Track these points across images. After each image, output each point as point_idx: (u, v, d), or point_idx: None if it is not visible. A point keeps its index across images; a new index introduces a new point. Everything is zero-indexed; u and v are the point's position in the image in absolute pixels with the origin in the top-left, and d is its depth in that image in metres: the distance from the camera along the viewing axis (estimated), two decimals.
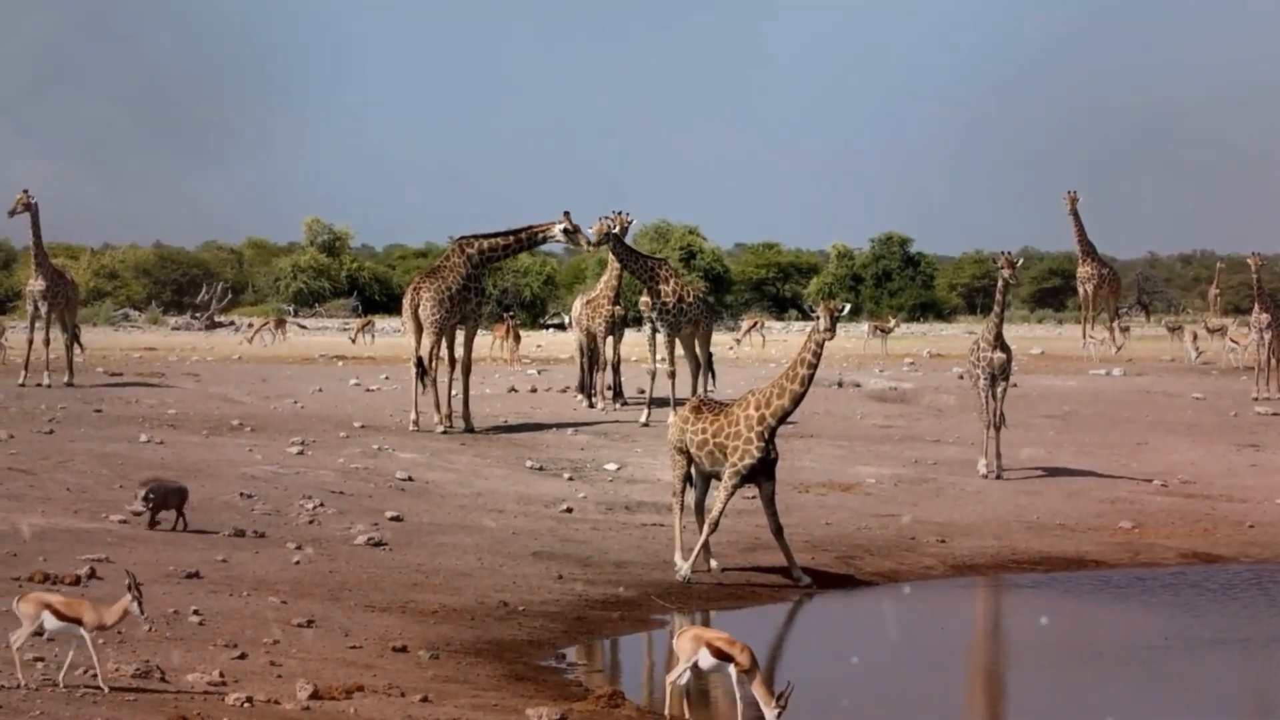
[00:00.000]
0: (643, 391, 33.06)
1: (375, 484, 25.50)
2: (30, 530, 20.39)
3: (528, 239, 31.25)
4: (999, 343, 28.80)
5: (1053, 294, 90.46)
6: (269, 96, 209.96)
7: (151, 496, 21.15)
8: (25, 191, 35.13)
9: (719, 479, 21.52)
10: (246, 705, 13.81)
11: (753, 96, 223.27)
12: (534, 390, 37.20)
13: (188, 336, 59.49)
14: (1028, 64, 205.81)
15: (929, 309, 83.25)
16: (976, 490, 27.59)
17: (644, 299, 32.66)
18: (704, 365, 32.67)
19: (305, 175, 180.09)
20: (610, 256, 33.41)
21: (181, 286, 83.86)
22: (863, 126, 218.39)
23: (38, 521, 21.04)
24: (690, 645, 14.66)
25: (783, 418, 21.30)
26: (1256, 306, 39.75)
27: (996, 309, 29.07)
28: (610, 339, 34.60)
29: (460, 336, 31.13)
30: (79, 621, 13.85)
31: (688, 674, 14.80)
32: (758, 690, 14.43)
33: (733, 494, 21.56)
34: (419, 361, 30.58)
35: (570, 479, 26.98)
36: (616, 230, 31.54)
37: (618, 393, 34.87)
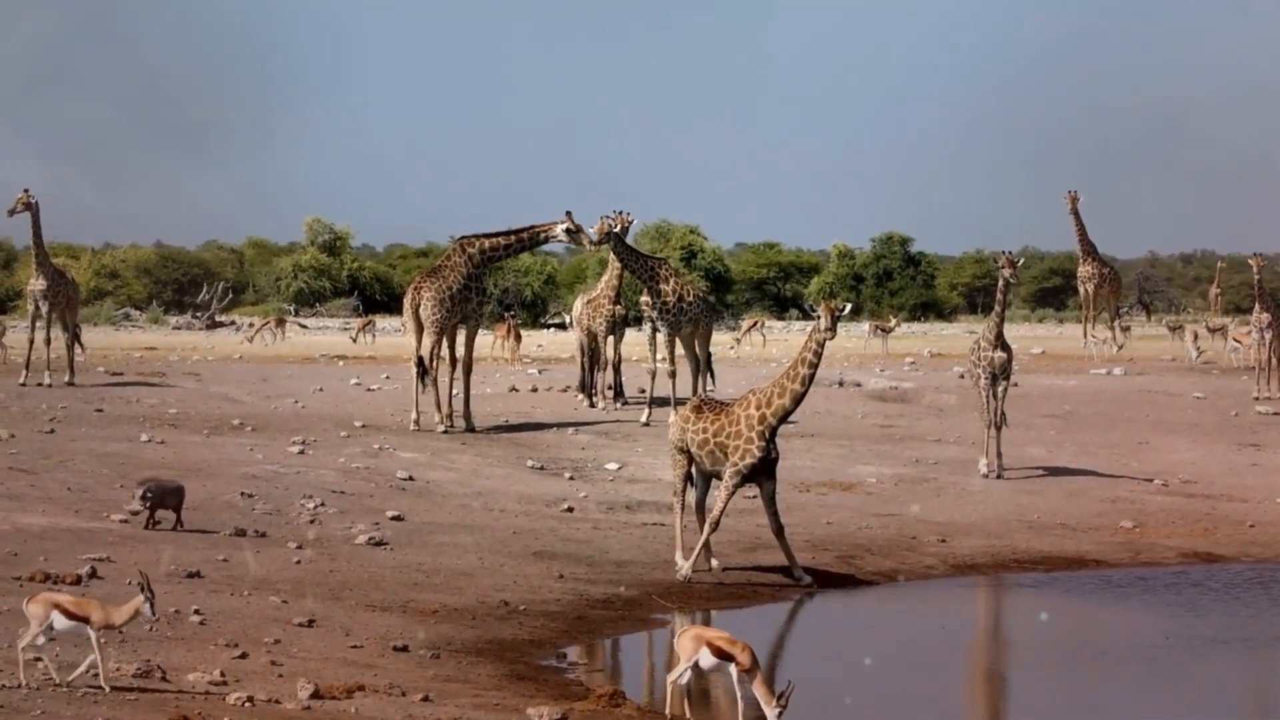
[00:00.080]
0: (643, 391, 33.06)
1: (376, 483, 25.50)
2: (29, 529, 20.40)
3: (529, 239, 31.24)
4: (1000, 342, 28.80)
5: (1053, 293, 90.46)
6: (269, 96, 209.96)
7: (149, 496, 21.15)
8: (26, 191, 35.13)
9: (720, 478, 21.51)
10: (247, 705, 13.81)
11: (753, 96, 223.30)
12: (535, 390, 37.21)
13: (188, 336, 59.49)
14: (1028, 64, 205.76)
15: (930, 308, 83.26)
16: (977, 490, 27.59)
17: (644, 298, 32.66)
18: (703, 365, 32.68)
19: (305, 175, 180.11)
20: (611, 256, 33.42)
21: (182, 286, 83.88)
22: (863, 126, 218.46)
23: (38, 521, 21.04)
24: (691, 644, 14.65)
25: (784, 417, 21.30)
26: (1257, 306, 39.78)
27: (997, 308, 29.07)
28: (611, 338, 34.60)
29: (461, 336, 31.13)
30: (86, 620, 13.87)
31: (689, 673, 14.79)
32: (759, 690, 14.43)
33: (734, 493, 21.56)
34: (420, 361, 30.58)
35: (571, 478, 26.98)
36: (617, 229, 31.54)
37: (618, 392, 34.87)
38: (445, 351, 30.95)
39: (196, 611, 16.94)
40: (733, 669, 14.55)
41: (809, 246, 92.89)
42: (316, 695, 14.30)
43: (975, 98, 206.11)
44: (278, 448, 27.53)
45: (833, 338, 20.98)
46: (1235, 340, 45.51)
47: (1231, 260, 77.57)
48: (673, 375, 32.08)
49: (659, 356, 32.61)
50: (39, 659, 14.26)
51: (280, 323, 57.02)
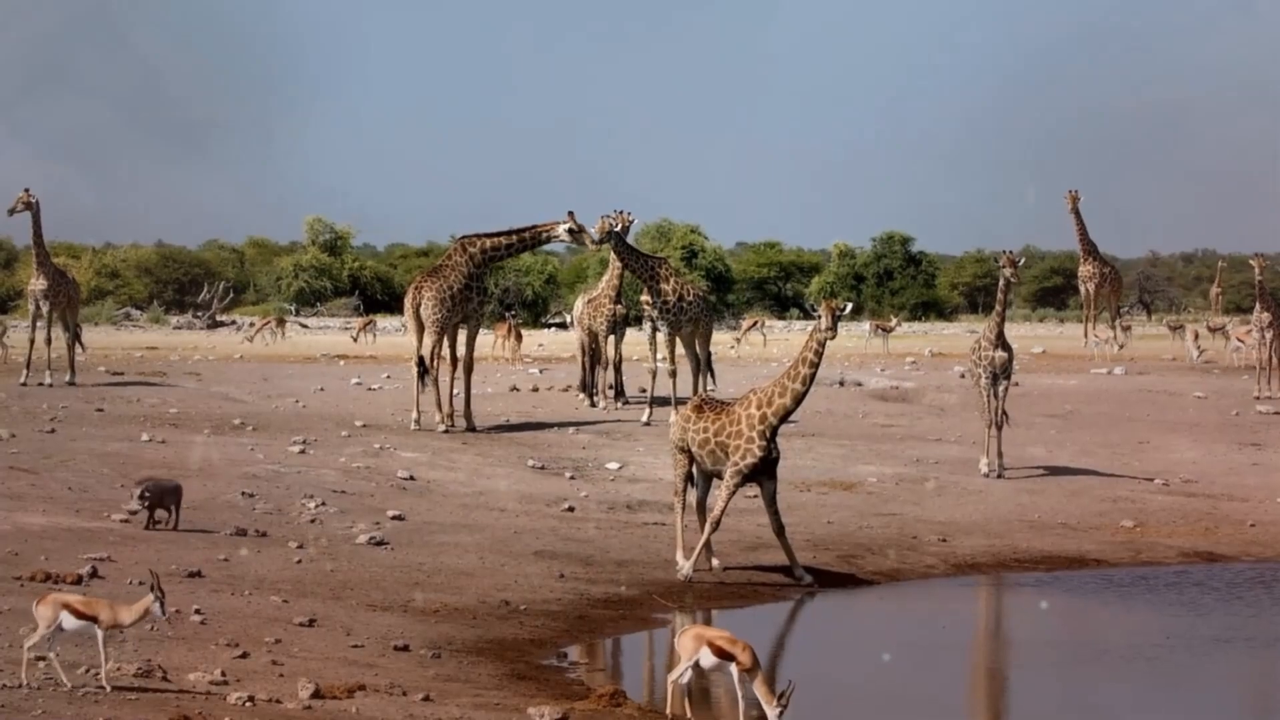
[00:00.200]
0: (644, 390, 33.07)
1: (377, 483, 25.50)
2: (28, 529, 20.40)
3: (531, 239, 31.24)
4: (1000, 341, 28.79)
5: (1054, 293, 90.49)
6: (269, 96, 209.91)
7: (147, 495, 21.15)
8: (26, 190, 35.12)
9: (720, 478, 21.51)
10: (248, 704, 13.81)
11: (753, 96, 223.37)
12: (536, 389, 37.20)
13: (189, 335, 59.50)
14: (1028, 64, 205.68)
15: (930, 308, 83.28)
16: (978, 489, 27.58)
17: (645, 298, 32.67)
18: (704, 364, 32.68)
19: (306, 174, 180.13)
20: (612, 256, 33.41)
21: (183, 286, 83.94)
22: (863, 126, 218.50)
23: (39, 520, 21.04)
24: (692, 644, 14.64)
25: (784, 417, 21.30)
26: (1258, 306, 39.80)
27: (998, 308, 29.05)
28: (612, 338, 34.60)
29: (462, 336, 31.13)
30: (95, 620, 13.86)
31: (689, 673, 14.78)
32: (759, 689, 14.42)
33: (734, 493, 21.55)
34: (420, 361, 30.58)
35: (572, 478, 26.98)
36: (618, 229, 31.55)
37: (619, 392, 34.87)
38: (446, 351, 30.95)
39: (197, 611, 16.93)
40: (733, 668, 14.54)
41: (810, 246, 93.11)
42: (317, 695, 14.29)
43: (975, 97, 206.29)
44: (278, 447, 27.53)
45: (834, 337, 20.97)
46: (1237, 340, 45.50)
47: (1232, 260, 77.65)
48: (673, 375, 32.09)
49: (659, 356, 32.61)
50: (42, 659, 14.25)
51: (281, 322, 57.04)
